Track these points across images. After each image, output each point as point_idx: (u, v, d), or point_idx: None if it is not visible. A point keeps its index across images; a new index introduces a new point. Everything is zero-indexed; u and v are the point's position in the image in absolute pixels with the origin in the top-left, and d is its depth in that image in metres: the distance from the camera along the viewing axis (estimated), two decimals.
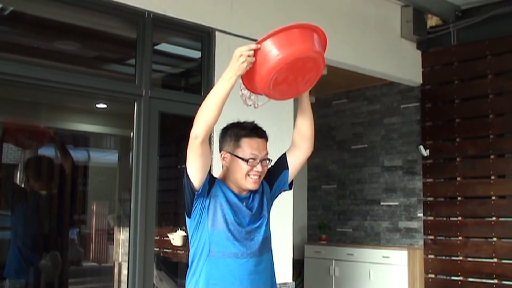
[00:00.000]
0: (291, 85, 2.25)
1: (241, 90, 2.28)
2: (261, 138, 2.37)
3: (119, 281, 5.13)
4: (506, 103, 5.31)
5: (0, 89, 3.91)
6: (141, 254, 3.61)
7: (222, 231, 2.26)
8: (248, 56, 2.09)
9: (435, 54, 5.82)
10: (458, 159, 5.59)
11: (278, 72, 2.12)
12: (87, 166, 6.32)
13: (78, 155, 6.10)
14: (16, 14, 3.72)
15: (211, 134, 2.61)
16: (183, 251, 4.64)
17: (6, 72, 3.21)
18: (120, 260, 5.32)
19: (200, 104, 2.19)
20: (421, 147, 5.80)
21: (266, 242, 2.38)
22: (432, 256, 5.69)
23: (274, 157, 2.48)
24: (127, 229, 3.81)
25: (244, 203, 2.35)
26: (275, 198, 2.52)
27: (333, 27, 4.83)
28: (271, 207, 2.48)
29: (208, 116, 2.14)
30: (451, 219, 5.59)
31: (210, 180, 2.30)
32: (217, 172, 2.49)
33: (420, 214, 5.84)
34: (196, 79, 4.29)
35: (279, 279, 2.51)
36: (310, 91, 2.47)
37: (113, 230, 5.74)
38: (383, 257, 5.79)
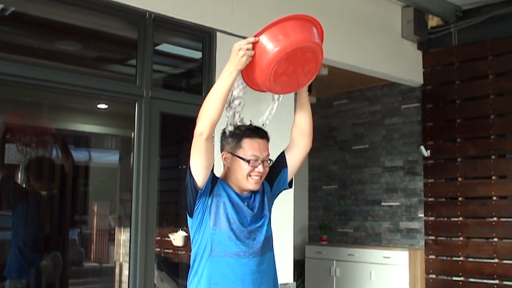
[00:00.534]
0: (291, 77, 2.26)
1: (226, 108, 2.27)
2: (262, 139, 2.37)
3: (120, 282, 5.12)
4: (507, 104, 5.31)
5: (1, 89, 3.92)
6: (142, 255, 3.62)
7: (225, 230, 2.26)
8: (247, 49, 2.11)
9: (436, 54, 5.82)
10: (459, 159, 5.59)
11: (278, 63, 2.13)
12: (88, 167, 6.31)
13: (79, 155, 6.10)
14: (18, 15, 3.72)
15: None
16: (184, 252, 4.64)
17: (8, 72, 3.22)
18: (121, 260, 5.31)
19: (201, 104, 2.20)
20: (422, 147, 5.80)
21: (268, 242, 2.38)
22: (433, 257, 5.68)
23: (274, 157, 2.48)
24: (128, 229, 3.81)
25: (246, 203, 2.35)
26: (275, 197, 2.53)
27: (334, 28, 4.83)
28: (272, 206, 2.48)
29: (212, 112, 2.15)
30: (452, 219, 5.59)
31: (213, 179, 2.30)
32: (218, 172, 2.49)
33: (421, 215, 5.84)
34: (197, 80, 4.29)
35: (280, 280, 2.50)
36: (310, 91, 2.47)
37: (114, 230, 5.73)
38: (384, 257, 5.79)
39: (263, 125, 2.43)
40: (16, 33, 4.07)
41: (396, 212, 6.08)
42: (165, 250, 4.90)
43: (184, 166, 2.43)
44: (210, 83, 3.97)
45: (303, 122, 2.47)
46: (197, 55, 4.16)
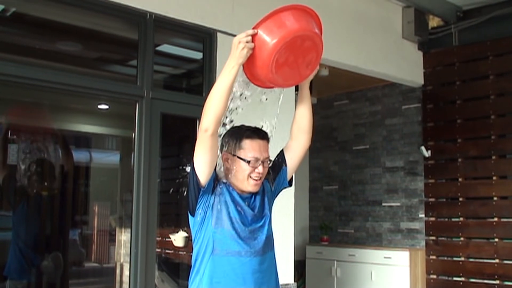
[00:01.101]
0: (293, 68, 2.26)
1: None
2: (262, 140, 2.38)
3: (121, 282, 5.13)
4: (508, 104, 5.31)
5: (2, 90, 3.92)
6: (142, 255, 3.62)
7: (227, 229, 2.27)
8: (247, 42, 2.13)
9: (437, 55, 5.82)
10: (459, 159, 5.59)
11: (279, 52, 2.14)
12: (89, 167, 6.32)
13: (80, 155, 6.11)
14: (19, 15, 3.73)
15: None
16: (184, 252, 4.65)
17: (9, 73, 3.22)
18: (121, 261, 5.32)
19: (202, 104, 2.21)
20: (423, 147, 5.80)
21: (269, 241, 2.38)
22: (434, 257, 5.68)
23: (274, 156, 2.49)
24: (129, 230, 3.82)
25: (246, 203, 2.36)
26: (276, 196, 2.53)
27: (335, 28, 4.84)
28: (272, 205, 2.48)
29: (216, 108, 2.16)
30: (453, 219, 5.59)
31: (216, 178, 2.31)
32: None
33: (422, 215, 5.84)
34: (197, 80, 4.29)
35: (280, 280, 2.51)
36: (311, 91, 2.48)
37: (115, 231, 5.74)
38: (385, 258, 5.78)
39: (262, 126, 2.44)
40: (17, 34, 4.07)
41: (397, 213, 6.08)
42: (166, 251, 4.91)
43: (184, 167, 2.43)
44: (211, 83, 3.96)
45: (303, 117, 2.48)
46: (198, 55, 4.16)
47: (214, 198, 2.30)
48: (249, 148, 2.33)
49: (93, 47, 4.46)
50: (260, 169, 2.32)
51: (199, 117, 2.28)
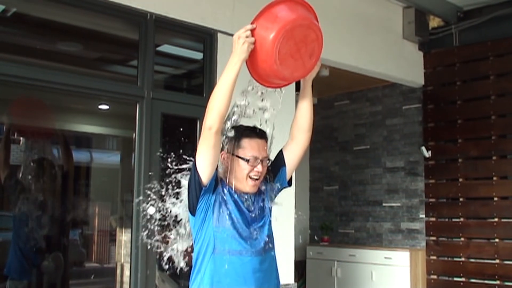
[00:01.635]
0: (297, 59, 2.27)
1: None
2: (261, 139, 2.38)
3: (122, 282, 5.13)
4: (508, 104, 5.31)
5: (3, 90, 3.92)
6: (143, 255, 3.62)
7: (227, 228, 2.27)
8: (246, 37, 2.14)
9: (437, 55, 5.82)
10: (460, 160, 5.59)
11: (280, 42, 2.16)
12: (90, 167, 6.33)
13: (80, 156, 6.12)
14: (19, 16, 3.73)
15: None
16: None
17: (10, 73, 3.22)
18: (122, 261, 5.32)
19: (202, 105, 2.21)
20: (423, 148, 5.80)
21: (270, 241, 2.38)
22: (434, 257, 5.68)
23: (273, 156, 2.49)
24: (129, 230, 3.82)
25: (247, 203, 2.36)
26: (276, 196, 2.53)
27: (335, 29, 4.84)
28: (272, 205, 2.48)
29: (220, 105, 2.16)
30: (453, 220, 5.59)
31: (217, 177, 2.31)
32: None
33: (422, 215, 5.84)
34: (198, 81, 4.29)
35: (281, 281, 2.51)
36: (312, 90, 2.48)
37: (115, 231, 5.74)
38: (385, 258, 5.79)
39: (260, 125, 2.44)
40: (18, 34, 4.08)
41: (397, 213, 6.08)
42: None
43: (185, 166, 2.43)
44: (212, 84, 3.97)
45: (304, 115, 2.47)
46: (198, 56, 4.16)
47: (215, 197, 2.30)
48: (248, 147, 2.33)
49: (94, 47, 4.47)
50: (259, 168, 2.33)
51: (199, 117, 2.28)
